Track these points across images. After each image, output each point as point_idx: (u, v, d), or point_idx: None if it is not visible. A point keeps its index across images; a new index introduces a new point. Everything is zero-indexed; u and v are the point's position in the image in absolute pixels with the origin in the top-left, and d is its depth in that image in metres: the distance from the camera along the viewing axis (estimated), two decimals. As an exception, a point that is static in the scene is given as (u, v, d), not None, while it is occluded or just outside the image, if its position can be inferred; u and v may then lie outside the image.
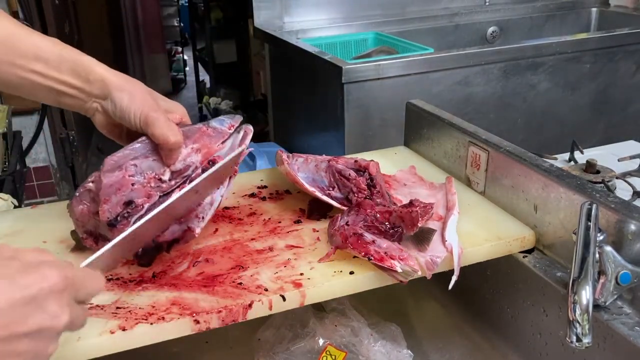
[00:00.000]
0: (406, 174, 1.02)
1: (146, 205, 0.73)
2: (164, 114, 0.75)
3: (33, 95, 0.74)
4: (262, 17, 2.20)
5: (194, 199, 0.77)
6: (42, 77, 0.72)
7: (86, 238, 0.77)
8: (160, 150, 0.75)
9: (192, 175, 0.77)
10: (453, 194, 0.90)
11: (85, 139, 3.49)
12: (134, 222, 0.71)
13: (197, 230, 0.75)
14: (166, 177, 0.76)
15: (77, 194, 0.76)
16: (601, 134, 2.05)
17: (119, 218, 0.72)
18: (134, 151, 0.75)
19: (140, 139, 0.76)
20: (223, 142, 0.81)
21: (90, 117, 0.78)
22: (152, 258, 0.76)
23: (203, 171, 0.77)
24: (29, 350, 0.45)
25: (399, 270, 0.71)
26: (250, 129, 0.83)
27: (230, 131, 0.81)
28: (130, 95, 0.74)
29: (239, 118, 0.83)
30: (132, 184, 0.74)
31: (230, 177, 0.82)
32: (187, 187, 0.74)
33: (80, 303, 0.52)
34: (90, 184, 0.75)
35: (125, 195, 0.73)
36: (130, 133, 0.79)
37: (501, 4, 2.47)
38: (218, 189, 0.79)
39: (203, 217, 0.76)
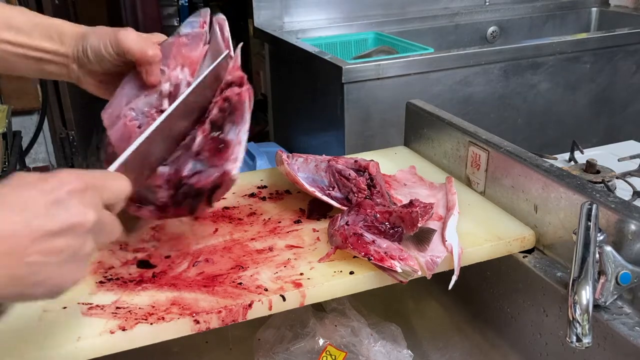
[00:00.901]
0: (406, 174, 1.02)
1: None
2: (133, 32, 0.73)
3: (13, 68, 0.73)
4: (262, 17, 2.20)
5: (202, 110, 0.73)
6: (14, 46, 0.71)
7: (129, 206, 0.71)
8: (141, 70, 0.72)
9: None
10: (453, 194, 0.90)
11: (85, 139, 3.49)
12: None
13: (234, 172, 0.69)
14: (165, 106, 0.73)
15: (105, 159, 0.72)
16: (601, 134, 2.05)
17: None
18: (124, 96, 0.73)
19: (124, 81, 0.73)
20: (205, 44, 0.75)
21: (79, 84, 0.76)
22: (193, 207, 0.71)
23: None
24: (66, 246, 0.48)
25: (399, 270, 0.71)
26: (222, 18, 0.76)
27: (205, 29, 0.75)
28: (97, 34, 0.72)
29: (205, 11, 0.77)
30: (138, 127, 0.72)
31: (246, 110, 0.72)
32: (185, 93, 0.69)
33: (109, 209, 0.54)
34: (109, 147, 0.73)
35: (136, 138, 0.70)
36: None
37: (501, 4, 2.47)
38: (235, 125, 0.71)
39: (236, 158, 0.69)
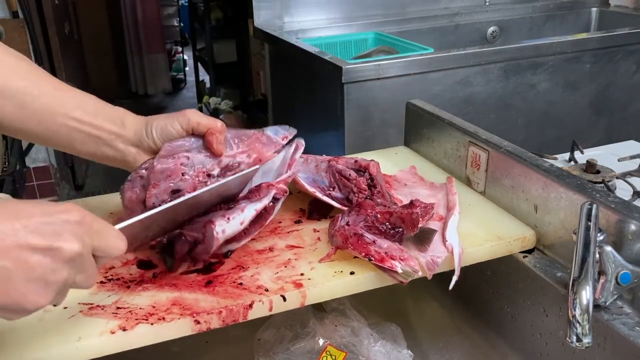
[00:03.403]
0: (407, 174, 1.02)
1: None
2: (196, 110, 0.81)
3: (72, 145, 0.78)
4: (262, 17, 2.20)
5: (220, 202, 0.78)
6: (79, 123, 0.76)
7: None
8: (209, 138, 0.79)
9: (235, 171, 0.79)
10: (454, 194, 0.90)
11: (85, 139, 3.48)
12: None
13: (217, 228, 0.71)
14: (215, 172, 0.79)
15: (130, 179, 0.78)
16: (601, 134, 2.05)
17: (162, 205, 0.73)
18: (189, 143, 0.80)
19: (193, 137, 0.80)
20: (276, 152, 0.83)
21: (132, 165, 0.80)
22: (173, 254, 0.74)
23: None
24: (38, 266, 0.50)
25: (400, 270, 0.71)
26: (302, 143, 0.84)
27: (284, 142, 0.83)
28: (159, 118, 0.80)
29: (293, 131, 0.85)
30: (182, 174, 0.77)
31: (267, 192, 0.78)
32: (214, 184, 0.75)
33: (96, 257, 0.56)
34: (143, 171, 0.78)
35: (174, 183, 0.76)
36: None
37: (501, 4, 2.47)
38: (252, 202, 0.77)
39: (228, 219, 0.73)
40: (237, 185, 0.79)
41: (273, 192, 0.78)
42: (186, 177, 0.77)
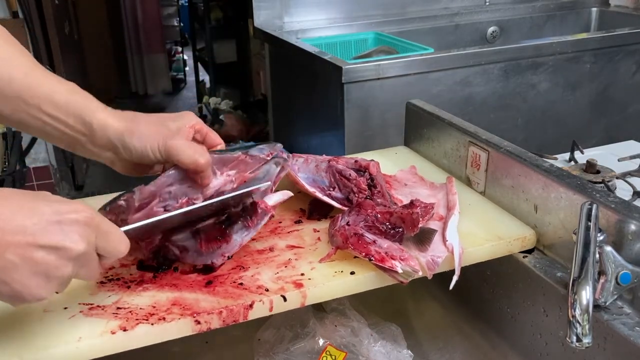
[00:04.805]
0: (407, 174, 1.02)
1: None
2: (181, 138, 0.74)
3: (47, 137, 0.74)
4: (262, 17, 2.20)
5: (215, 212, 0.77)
6: (51, 119, 0.71)
7: None
8: (193, 175, 0.74)
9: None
10: (454, 194, 0.90)
11: (85, 139, 3.48)
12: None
13: (218, 264, 0.75)
14: (199, 202, 0.75)
15: (108, 208, 0.73)
16: (601, 134, 2.05)
17: None
18: (169, 178, 0.75)
19: (174, 166, 0.75)
20: (258, 169, 0.79)
21: (111, 166, 0.77)
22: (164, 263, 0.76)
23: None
24: (43, 262, 0.53)
25: (400, 270, 0.71)
26: (288, 163, 0.82)
27: (268, 158, 0.80)
28: (139, 135, 0.73)
29: (278, 146, 0.82)
30: (164, 207, 0.74)
31: (262, 217, 0.77)
32: (205, 202, 0.74)
33: (98, 256, 0.59)
34: (122, 202, 0.73)
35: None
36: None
37: (501, 4, 2.47)
38: (247, 229, 0.76)
39: (226, 256, 0.75)
40: (236, 200, 0.77)
41: (270, 214, 0.77)
42: (169, 208, 0.74)
